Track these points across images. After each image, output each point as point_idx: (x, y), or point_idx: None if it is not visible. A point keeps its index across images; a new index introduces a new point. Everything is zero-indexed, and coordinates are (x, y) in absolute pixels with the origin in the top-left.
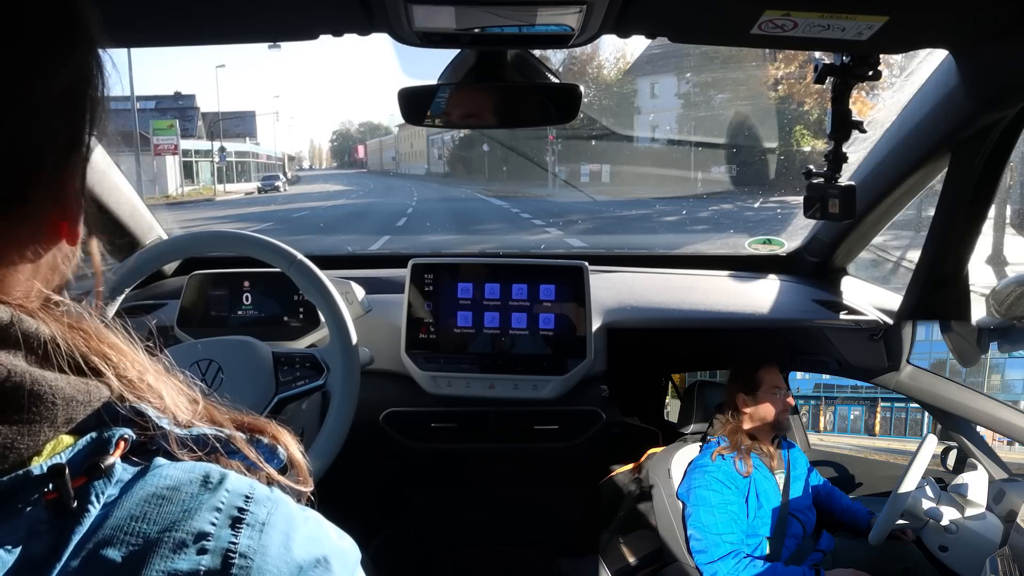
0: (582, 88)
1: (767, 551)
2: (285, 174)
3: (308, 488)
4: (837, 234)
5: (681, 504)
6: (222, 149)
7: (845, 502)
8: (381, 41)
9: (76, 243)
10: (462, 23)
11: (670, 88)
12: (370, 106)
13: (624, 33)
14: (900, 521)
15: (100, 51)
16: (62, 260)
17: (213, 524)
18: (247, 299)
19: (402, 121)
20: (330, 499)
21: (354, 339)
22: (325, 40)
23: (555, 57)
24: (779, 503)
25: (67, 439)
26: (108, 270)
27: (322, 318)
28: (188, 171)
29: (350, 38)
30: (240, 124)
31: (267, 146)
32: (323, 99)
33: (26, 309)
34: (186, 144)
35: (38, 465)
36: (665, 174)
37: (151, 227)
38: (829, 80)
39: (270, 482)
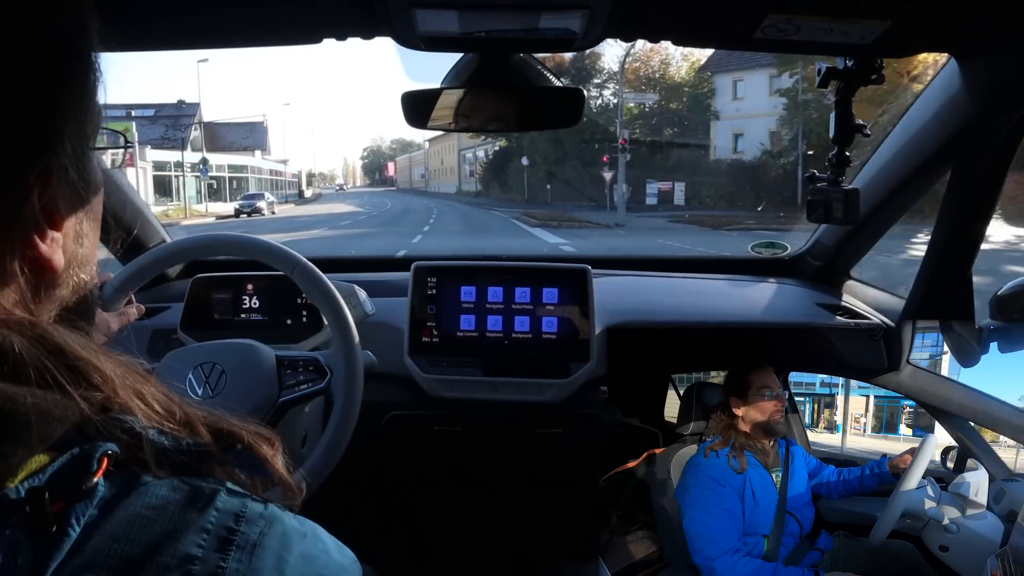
0: (585, 92)
1: (764, 549)
2: (302, 191)
3: (294, 502)
4: (840, 238)
5: (678, 503)
6: (203, 162)
7: (835, 474)
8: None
9: (48, 265)
10: (465, 27)
11: (760, 85)
12: (403, 121)
13: (627, 37)
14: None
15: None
16: (30, 276)
17: (200, 546)
18: (250, 302)
19: (432, 136)
20: (334, 503)
21: (357, 343)
22: (356, 52)
23: (608, 54)
24: (776, 501)
25: (43, 458)
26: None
27: (325, 321)
28: (167, 187)
29: (358, 45)
30: (249, 136)
31: (280, 160)
32: (355, 115)
33: None
34: (168, 156)
35: (13, 488)
36: (758, 194)
37: (155, 230)
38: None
39: (266, 493)
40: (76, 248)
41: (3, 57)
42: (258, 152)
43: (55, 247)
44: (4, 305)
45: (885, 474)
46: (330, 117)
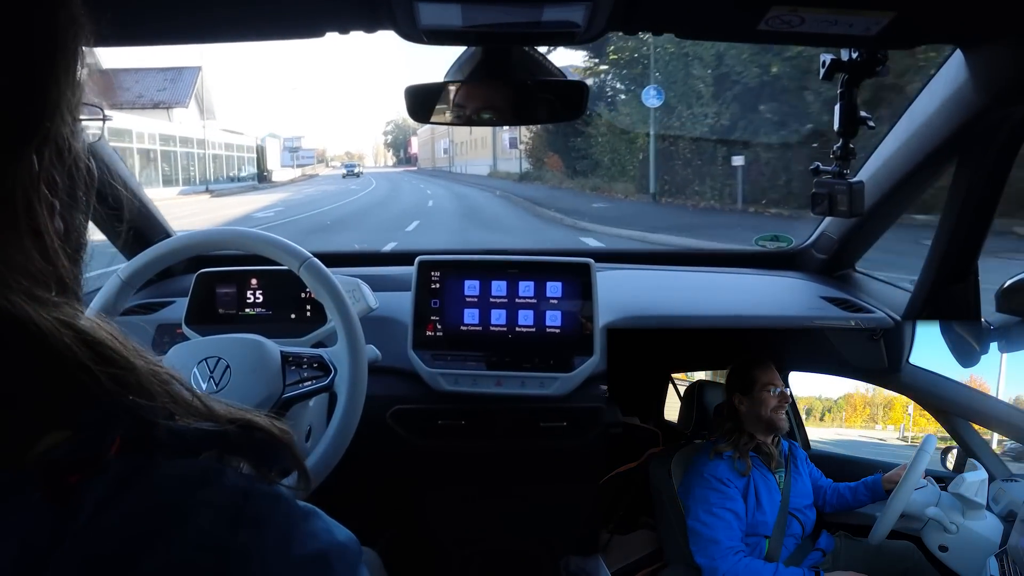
0: (588, 84)
1: (766, 551)
2: (265, 172)
3: (307, 490)
4: (845, 231)
5: (680, 503)
6: None
7: (832, 487)
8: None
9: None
10: (468, 20)
11: None
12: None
13: (630, 29)
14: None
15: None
16: (48, 254)
17: (210, 522)
18: (254, 296)
19: None
20: (337, 496)
21: (362, 342)
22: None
23: None
24: (779, 502)
25: (62, 434)
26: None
27: (329, 316)
28: None
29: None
30: (168, 87)
31: (233, 126)
32: (381, 89)
33: (17, 303)
34: None
35: (34, 460)
36: None
37: (160, 225)
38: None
39: (271, 479)
40: (71, 216)
41: (6, 22)
42: (177, 111)
43: (54, 214)
44: (18, 277)
45: (879, 490)
46: (355, 92)
